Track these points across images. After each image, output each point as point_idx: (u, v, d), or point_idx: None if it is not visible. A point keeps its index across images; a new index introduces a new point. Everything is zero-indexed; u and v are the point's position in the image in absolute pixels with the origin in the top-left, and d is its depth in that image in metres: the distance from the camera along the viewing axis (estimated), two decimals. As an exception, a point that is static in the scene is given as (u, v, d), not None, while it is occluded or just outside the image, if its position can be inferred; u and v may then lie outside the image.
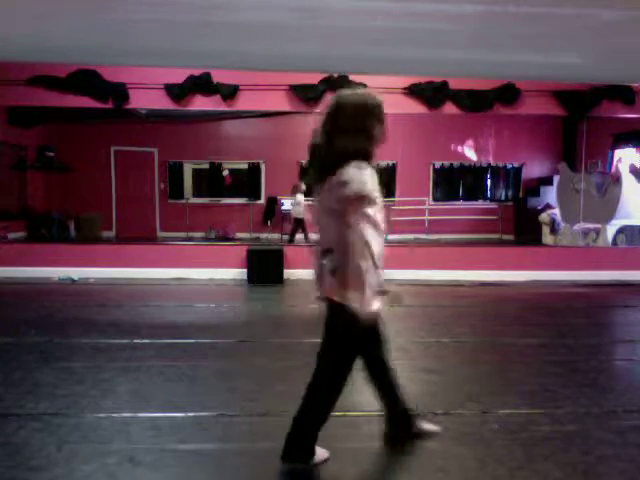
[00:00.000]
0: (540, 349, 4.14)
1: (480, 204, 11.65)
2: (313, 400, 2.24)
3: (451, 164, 11.51)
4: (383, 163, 10.75)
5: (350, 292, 2.05)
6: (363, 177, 2.04)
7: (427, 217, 10.99)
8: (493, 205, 11.57)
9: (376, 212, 2.06)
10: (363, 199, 2.02)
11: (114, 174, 11.20)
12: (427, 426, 2.56)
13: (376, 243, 2.04)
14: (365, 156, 2.11)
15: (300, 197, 9.72)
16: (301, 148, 10.97)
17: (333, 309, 2.17)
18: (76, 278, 6.95)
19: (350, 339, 2.18)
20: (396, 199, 10.98)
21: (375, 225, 2.04)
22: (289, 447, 2.26)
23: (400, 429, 2.48)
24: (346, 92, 2.20)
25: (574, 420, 2.81)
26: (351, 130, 2.11)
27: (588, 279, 7.21)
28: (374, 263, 2.03)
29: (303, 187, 9.83)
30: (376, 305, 2.07)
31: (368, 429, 2.64)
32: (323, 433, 2.27)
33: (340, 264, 2.08)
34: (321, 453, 2.32)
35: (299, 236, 9.77)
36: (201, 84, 7.13)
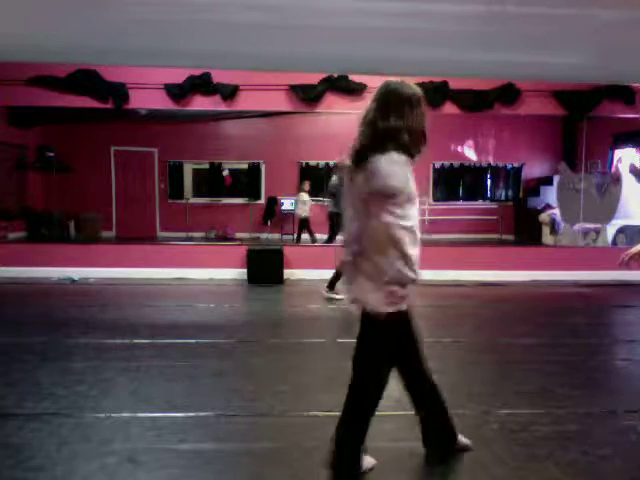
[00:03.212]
0: (540, 349, 4.14)
1: (480, 204, 11.65)
2: (351, 409, 2.16)
3: (451, 164, 11.51)
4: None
5: (369, 291, 2.02)
6: (390, 171, 1.97)
7: (427, 217, 10.99)
8: (493, 205, 11.57)
9: (407, 209, 1.98)
10: (387, 195, 1.95)
11: (114, 174, 11.20)
12: (464, 440, 2.43)
13: (405, 241, 1.96)
14: (405, 147, 2.03)
15: (305, 196, 9.71)
16: (301, 148, 10.88)
17: (363, 312, 2.10)
18: (76, 278, 6.95)
19: (378, 346, 2.11)
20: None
21: (402, 221, 1.97)
22: (337, 456, 2.15)
23: (438, 444, 2.37)
24: (393, 80, 2.13)
25: (574, 420, 2.81)
26: (390, 117, 2.04)
27: (588, 279, 7.20)
28: (401, 260, 1.97)
29: (308, 186, 9.82)
30: (396, 306, 2.02)
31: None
32: (320, 434, 2.27)
33: (362, 259, 2.03)
34: (368, 461, 2.27)
35: (305, 236, 9.76)
36: (201, 84, 7.13)
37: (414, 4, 4.22)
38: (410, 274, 2.00)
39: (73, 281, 6.90)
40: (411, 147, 2.07)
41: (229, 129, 11.08)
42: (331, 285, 5.84)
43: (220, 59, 5.44)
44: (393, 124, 2.04)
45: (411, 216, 2.01)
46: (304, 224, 9.69)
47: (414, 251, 2.00)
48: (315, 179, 10.63)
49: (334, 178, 7.26)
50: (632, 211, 8.73)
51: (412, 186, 2.02)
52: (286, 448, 2.47)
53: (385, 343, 2.12)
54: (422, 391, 2.31)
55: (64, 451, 2.41)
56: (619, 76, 6.15)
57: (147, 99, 7.30)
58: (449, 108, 7.49)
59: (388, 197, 1.96)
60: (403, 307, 2.05)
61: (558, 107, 7.58)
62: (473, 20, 4.35)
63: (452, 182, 11.69)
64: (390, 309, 2.02)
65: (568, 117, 8.90)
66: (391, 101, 2.08)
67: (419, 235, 2.04)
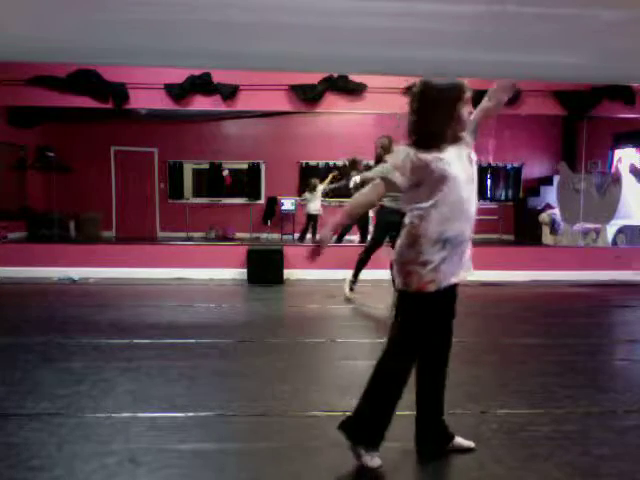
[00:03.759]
0: (540, 349, 4.14)
1: (480, 204, 11.59)
2: (371, 387, 2.24)
3: (451, 164, 11.49)
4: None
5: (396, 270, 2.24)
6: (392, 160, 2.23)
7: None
8: (493, 205, 11.57)
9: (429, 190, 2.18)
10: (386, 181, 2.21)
11: (114, 174, 11.20)
12: (462, 441, 2.43)
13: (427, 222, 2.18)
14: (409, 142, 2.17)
15: (316, 192, 9.70)
16: (301, 148, 10.84)
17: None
18: (76, 278, 6.95)
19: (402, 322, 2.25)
20: (396, 199, 10.96)
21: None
22: (351, 422, 2.22)
23: (431, 442, 2.37)
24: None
25: (574, 420, 2.81)
26: (413, 113, 2.18)
27: (588, 279, 7.20)
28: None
29: (317, 182, 9.80)
30: (411, 286, 2.15)
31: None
32: (320, 434, 2.27)
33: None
34: (375, 459, 2.25)
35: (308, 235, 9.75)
36: (201, 84, 7.12)
37: (414, 4, 4.22)
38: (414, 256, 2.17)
39: (73, 281, 6.90)
40: (412, 139, 2.19)
41: (229, 129, 11.08)
42: (355, 276, 5.80)
43: (220, 59, 5.44)
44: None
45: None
46: (316, 221, 9.67)
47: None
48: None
49: (353, 174, 6.99)
50: (632, 211, 8.73)
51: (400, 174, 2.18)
52: (286, 448, 2.47)
53: (406, 320, 2.24)
54: (426, 386, 2.33)
55: (64, 451, 2.40)
56: (619, 76, 6.16)
57: (147, 99, 7.30)
58: (449, 108, 7.48)
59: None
60: (430, 288, 2.17)
61: (558, 107, 7.58)
62: (473, 20, 4.35)
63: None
64: (405, 288, 2.19)
65: (568, 117, 8.90)
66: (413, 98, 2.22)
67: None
